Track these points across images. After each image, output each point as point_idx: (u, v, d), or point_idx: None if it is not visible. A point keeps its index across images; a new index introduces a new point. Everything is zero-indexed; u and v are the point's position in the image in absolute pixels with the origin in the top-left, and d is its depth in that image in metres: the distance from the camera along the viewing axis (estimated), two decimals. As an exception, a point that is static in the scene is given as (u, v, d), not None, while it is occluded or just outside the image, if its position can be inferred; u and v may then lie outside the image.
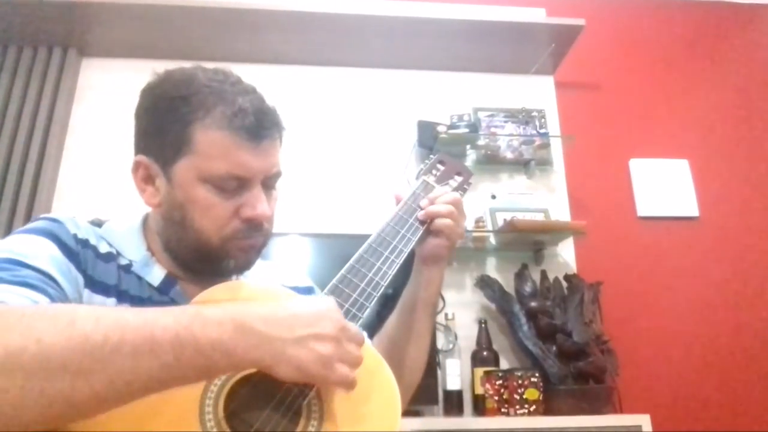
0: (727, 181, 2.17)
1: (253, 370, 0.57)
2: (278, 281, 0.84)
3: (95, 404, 0.47)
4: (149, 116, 0.71)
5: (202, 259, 0.71)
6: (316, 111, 2.14)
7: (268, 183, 0.73)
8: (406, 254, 0.77)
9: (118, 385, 0.47)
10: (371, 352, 0.67)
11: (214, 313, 0.52)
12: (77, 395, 0.45)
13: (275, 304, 0.57)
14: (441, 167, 0.91)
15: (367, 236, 0.78)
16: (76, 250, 0.67)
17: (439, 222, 0.82)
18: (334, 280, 0.70)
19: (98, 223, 0.75)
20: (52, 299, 0.58)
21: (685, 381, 1.91)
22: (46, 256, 0.63)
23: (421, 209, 0.83)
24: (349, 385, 0.55)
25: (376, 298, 0.70)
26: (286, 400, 0.58)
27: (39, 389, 0.44)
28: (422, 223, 0.82)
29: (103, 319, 0.48)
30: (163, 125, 0.68)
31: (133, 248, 0.74)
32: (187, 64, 0.73)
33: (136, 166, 0.73)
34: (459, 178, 0.91)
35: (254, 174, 0.69)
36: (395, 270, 0.75)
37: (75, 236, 0.68)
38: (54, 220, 0.69)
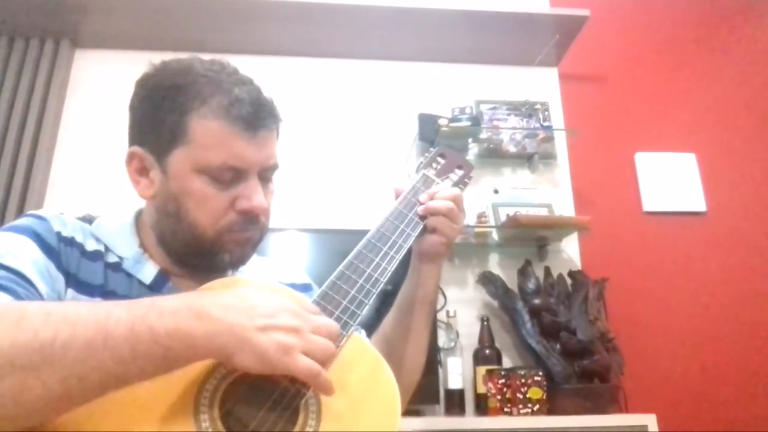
0: (735, 175, 2.15)
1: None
2: (275, 278, 0.83)
3: (49, 402, 0.46)
4: (144, 106, 0.70)
5: (197, 253, 0.70)
6: (315, 104, 2.12)
7: (265, 175, 0.72)
8: (406, 249, 0.76)
9: (72, 382, 0.46)
10: (370, 350, 0.66)
11: (171, 302, 0.51)
12: (29, 393, 0.45)
13: (234, 293, 0.56)
14: (441, 161, 0.90)
15: (366, 231, 0.77)
16: (58, 249, 0.66)
17: (435, 220, 0.80)
18: (332, 277, 0.69)
19: (89, 219, 0.74)
20: (20, 299, 0.57)
21: (692, 380, 1.89)
22: (23, 255, 0.62)
23: (421, 204, 0.82)
24: (314, 376, 0.53)
25: (374, 295, 0.69)
26: (283, 399, 0.57)
27: None
28: (422, 218, 0.80)
29: (53, 314, 0.47)
30: (159, 115, 0.67)
31: (124, 245, 0.72)
32: (183, 56, 0.73)
33: (130, 157, 0.72)
34: (460, 172, 0.90)
35: (250, 165, 0.68)
36: (394, 266, 0.73)
37: (59, 234, 0.67)
38: (39, 218, 0.68)
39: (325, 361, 0.54)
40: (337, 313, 0.65)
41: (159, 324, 0.49)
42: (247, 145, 0.67)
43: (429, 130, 1.98)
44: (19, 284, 0.58)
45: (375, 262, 0.72)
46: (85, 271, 0.67)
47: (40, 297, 0.61)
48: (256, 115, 0.68)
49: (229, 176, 0.67)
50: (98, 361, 0.46)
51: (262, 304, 0.54)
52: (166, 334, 0.49)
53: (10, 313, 0.47)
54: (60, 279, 0.65)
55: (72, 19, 2.00)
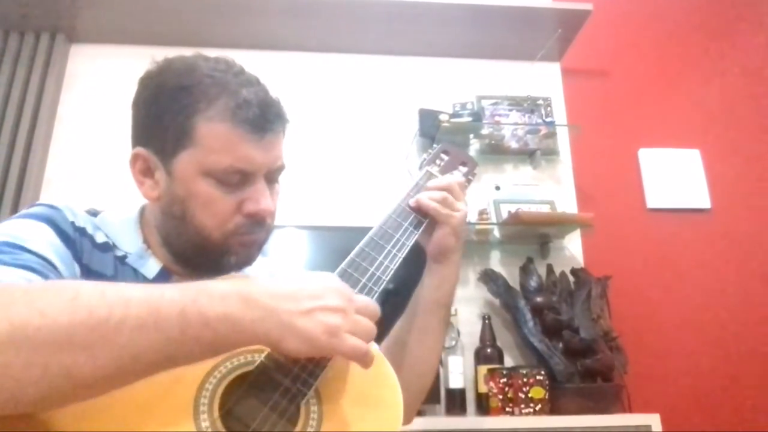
0: (740, 171, 2.13)
1: (250, 368, 0.57)
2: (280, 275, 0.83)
3: (99, 380, 0.46)
4: (149, 107, 0.69)
5: (203, 255, 0.70)
6: (314, 99, 2.11)
7: (271, 177, 0.72)
8: (409, 247, 0.76)
9: (123, 361, 0.46)
10: (373, 349, 0.65)
11: (220, 287, 0.52)
12: (81, 370, 0.45)
13: (279, 279, 0.57)
14: (445, 157, 0.90)
15: (366, 228, 0.76)
16: (74, 238, 0.67)
17: (433, 211, 0.80)
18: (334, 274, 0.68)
19: (94, 213, 0.74)
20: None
21: (697, 379, 1.88)
22: (45, 241, 0.63)
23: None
24: (362, 356, 0.54)
25: (377, 293, 0.69)
26: (283, 399, 0.57)
27: (43, 363, 0.44)
28: (425, 214, 0.80)
29: (107, 293, 0.48)
30: (164, 116, 0.67)
31: (128, 240, 0.73)
32: (182, 51, 0.72)
33: (135, 158, 0.71)
34: (464, 168, 0.91)
35: (258, 168, 0.68)
36: (397, 264, 0.73)
37: (73, 224, 0.68)
38: (52, 207, 0.68)
39: (370, 339, 0.55)
40: None
41: (209, 308, 0.49)
42: (254, 148, 0.67)
43: (429, 126, 1.97)
44: (48, 269, 0.59)
45: (378, 260, 0.72)
46: (97, 261, 0.68)
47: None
48: (263, 117, 0.67)
49: (236, 179, 0.67)
50: (150, 342, 0.47)
51: (308, 286, 0.55)
52: (215, 318, 0.49)
53: (66, 291, 0.48)
54: (76, 267, 0.65)
55: (68, 13, 1.98)
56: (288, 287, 0.54)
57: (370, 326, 0.56)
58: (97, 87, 2.06)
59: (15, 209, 1.85)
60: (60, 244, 0.64)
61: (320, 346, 0.52)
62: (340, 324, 0.53)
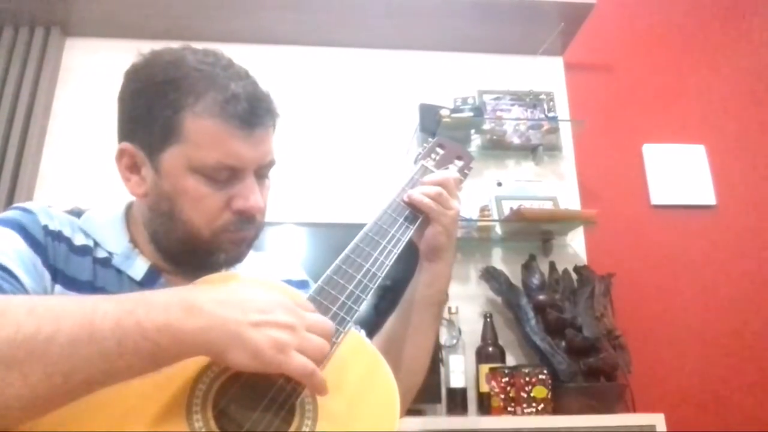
0: (746, 167, 2.12)
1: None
2: (270, 274, 0.83)
3: (32, 400, 0.45)
4: (135, 101, 0.68)
5: (192, 253, 0.69)
6: (313, 94, 2.10)
7: (261, 172, 0.71)
8: (404, 243, 0.76)
9: (56, 378, 0.45)
10: (368, 347, 0.66)
11: (161, 295, 0.51)
12: (11, 389, 0.44)
13: (227, 288, 0.56)
14: (440, 151, 0.90)
15: (364, 225, 0.76)
16: (45, 243, 0.65)
17: (426, 207, 0.78)
18: (328, 271, 0.68)
19: (78, 213, 0.73)
20: (5, 294, 0.56)
21: (702, 378, 1.87)
22: (9, 249, 0.61)
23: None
24: (308, 375, 0.51)
25: (372, 290, 0.68)
26: (278, 398, 0.56)
27: None
28: (420, 210, 0.79)
29: (37, 308, 0.47)
30: (150, 111, 0.66)
31: (114, 239, 0.71)
32: (175, 45, 0.71)
33: (120, 153, 0.70)
34: (459, 163, 0.90)
35: (247, 164, 0.67)
36: (392, 260, 0.73)
37: (46, 228, 0.66)
38: (25, 210, 0.67)
39: (319, 359, 0.53)
40: (333, 309, 0.64)
41: (147, 318, 0.48)
42: (243, 144, 0.66)
43: (430, 121, 1.96)
44: (4, 279, 0.58)
45: (373, 257, 0.71)
46: (73, 266, 0.66)
47: (26, 292, 0.60)
48: (252, 112, 0.66)
49: (225, 175, 0.66)
50: (83, 357, 0.45)
51: (256, 299, 0.53)
52: (155, 329, 0.47)
53: None
54: (46, 274, 0.64)
55: (62, 6, 1.97)
56: (234, 297, 0.52)
57: (321, 344, 0.53)
58: (93, 81, 2.05)
59: (9, 206, 1.79)
60: (27, 251, 0.62)
61: (266, 362, 0.50)
62: (288, 340, 0.51)
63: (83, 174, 1.93)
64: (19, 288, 0.59)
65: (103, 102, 1.94)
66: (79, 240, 0.69)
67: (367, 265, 0.70)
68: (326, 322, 0.56)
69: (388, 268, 0.71)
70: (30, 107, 1.96)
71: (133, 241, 0.72)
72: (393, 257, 0.72)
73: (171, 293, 0.51)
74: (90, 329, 0.46)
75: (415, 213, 0.79)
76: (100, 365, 0.46)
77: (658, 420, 1.50)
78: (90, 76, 2.06)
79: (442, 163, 0.88)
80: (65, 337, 0.45)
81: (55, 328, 0.45)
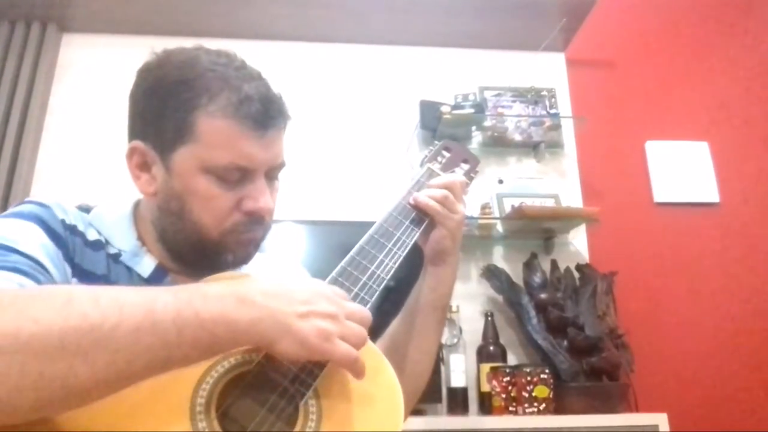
0: (750, 164, 2.11)
1: (248, 368, 0.58)
2: (274, 275, 0.84)
3: (94, 386, 0.46)
4: (147, 100, 0.69)
5: (200, 252, 0.70)
6: (312, 91, 2.09)
7: (271, 174, 0.72)
8: (410, 245, 0.76)
9: (119, 365, 0.46)
10: (373, 350, 0.66)
11: (215, 288, 0.53)
12: (77, 377, 0.45)
13: (273, 280, 0.57)
14: (446, 154, 0.90)
15: (366, 223, 0.77)
16: (65, 237, 0.66)
17: (432, 210, 0.79)
18: (333, 273, 0.69)
19: (86, 209, 0.74)
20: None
21: (705, 377, 1.87)
22: (35, 242, 0.62)
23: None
24: (353, 362, 0.54)
25: (378, 293, 0.69)
26: (282, 400, 0.57)
27: (38, 371, 0.44)
28: (426, 213, 0.79)
29: (101, 297, 0.48)
30: (163, 110, 0.67)
31: (122, 237, 0.72)
32: (177, 41, 0.72)
33: (131, 152, 0.71)
34: (466, 166, 0.90)
35: (258, 165, 0.68)
36: (398, 263, 0.73)
37: (63, 222, 0.67)
38: (42, 205, 0.67)
39: (360, 346, 0.55)
40: None
41: (204, 309, 0.50)
42: (256, 145, 0.66)
43: (431, 118, 1.96)
44: (38, 271, 0.59)
45: (379, 259, 0.71)
46: (88, 260, 0.67)
47: (55, 284, 0.61)
48: (265, 114, 0.67)
49: (236, 176, 0.67)
50: (146, 345, 0.47)
51: (300, 290, 0.55)
52: (211, 319, 0.50)
53: (59, 295, 0.48)
54: (67, 268, 0.65)
55: (59, 1, 1.96)
56: (281, 289, 0.55)
57: (362, 332, 0.56)
58: (90, 77, 2.05)
59: (5, 202, 1.83)
60: (50, 244, 0.63)
61: (314, 350, 0.52)
62: (332, 329, 0.53)
63: (80, 170, 1.93)
64: (50, 279, 0.60)
65: (100, 98, 1.98)
66: (92, 235, 0.70)
67: (372, 268, 0.70)
68: (363, 311, 0.59)
69: (393, 271, 0.71)
70: (26, 103, 1.95)
71: (140, 239, 0.73)
72: (398, 260, 0.73)
73: (224, 285, 0.54)
74: (152, 319, 0.48)
75: (421, 216, 0.79)
76: (161, 354, 0.48)
77: (661, 420, 1.50)
78: (87, 72, 2.06)
79: (448, 167, 0.88)
80: (129, 327, 0.47)
81: (119, 318, 0.47)
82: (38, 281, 0.58)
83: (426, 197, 0.78)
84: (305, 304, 0.53)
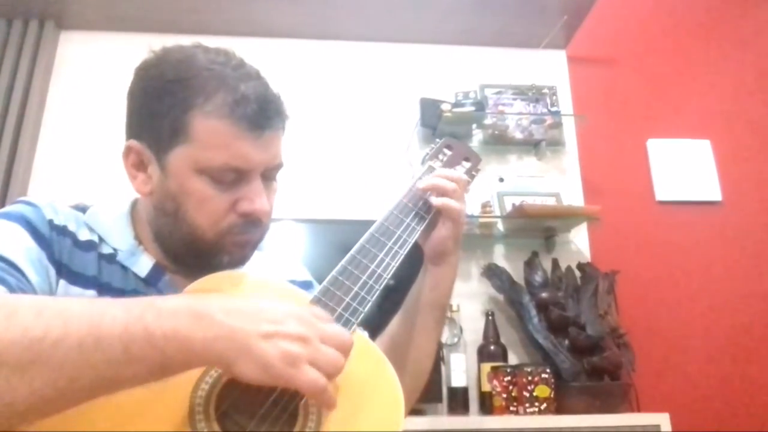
0: (752, 162, 2.10)
1: None
2: (274, 274, 0.83)
3: (35, 404, 0.44)
4: (144, 98, 0.68)
5: (195, 253, 0.69)
6: (312, 88, 2.09)
7: (268, 175, 0.71)
8: (411, 244, 0.76)
9: (60, 383, 0.44)
10: (373, 350, 0.66)
11: (170, 302, 0.49)
12: (14, 393, 0.43)
13: (239, 296, 0.56)
14: (448, 152, 0.90)
15: (365, 221, 0.77)
16: (50, 238, 0.65)
17: (440, 200, 0.78)
18: (333, 272, 0.68)
19: (83, 208, 0.73)
20: (11, 289, 0.56)
21: (707, 377, 1.86)
22: (15, 244, 0.61)
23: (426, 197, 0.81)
24: (319, 392, 0.49)
25: (378, 292, 0.68)
26: (281, 400, 0.56)
27: None
28: (427, 211, 0.79)
29: (45, 310, 0.46)
30: (159, 109, 0.66)
31: (119, 236, 0.72)
32: (175, 38, 0.71)
33: (128, 151, 0.70)
34: (467, 164, 0.90)
35: (254, 166, 0.67)
36: (398, 262, 0.73)
37: (51, 222, 0.67)
38: (30, 204, 0.67)
39: (333, 374, 0.50)
40: (338, 310, 0.64)
41: (156, 325, 0.47)
42: (252, 146, 0.65)
43: (431, 116, 1.95)
44: (10, 274, 0.58)
45: (379, 258, 0.71)
46: (78, 261, 0.67)
47: (32, 287, 0.60)
48: (262, 114, 0.66)
49: (231, 177, 0.66)
50: (89, 362, 0.45)
51: (268, 309, 0.51)
52: (162, 336, 0.46)
53: (4, 306, 0.46)
54: (51, 270, 0.64)
55: (57, -1, 1.96)
56: (246, 306, 0.51)
57: (336, 359, 0.51)
58: (87, 75, 2.04)
59: (3, 199, 1.83)
60: (34, 247, 0.62)
61: (276, 375, 0.48)
62: (299, 353, 0.48)
63: (78, 167, 1.93)
64: (25, 283, 0.59)
65: (98, 95, 1.98)
66: (84, 235, 0.69)
67: (373, 266, 0.70)
68: (343, 334, 0.54)
69: (394, 269, 0.71)
70: (24, 101, 1.94)
71: (137, 238, 0.72)
72: (399, 259, 0.72)
73: (182, 299, 0.50)
74: (97, 334, 0.45)
75: (422, 214, 0.79)
76: (107, 372, 0.45)
77: (662, 420, 1.50)
78: (84, 70, 2.05)
79: (449, 164, 0.88)
80: (72, 342, 0.44)
81: (62, 332, 0.45)
82: (8, 285, 0.56)
83: (435, 177, 0.79)
84: (272, 324, 0.49)
